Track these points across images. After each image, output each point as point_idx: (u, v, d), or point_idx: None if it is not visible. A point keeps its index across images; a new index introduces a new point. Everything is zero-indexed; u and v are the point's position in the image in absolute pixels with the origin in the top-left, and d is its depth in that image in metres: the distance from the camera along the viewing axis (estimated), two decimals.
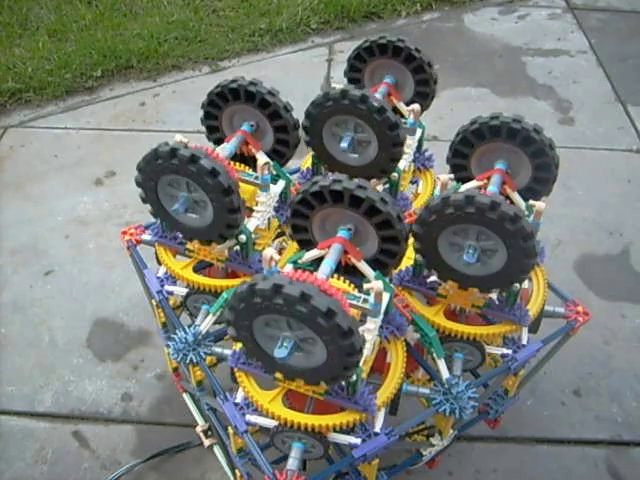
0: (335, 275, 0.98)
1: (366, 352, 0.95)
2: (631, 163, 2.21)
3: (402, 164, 1.20)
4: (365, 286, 0.92)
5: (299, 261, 0.99)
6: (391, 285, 1.01)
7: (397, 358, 1.03)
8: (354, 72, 1.32)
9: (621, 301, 1.77)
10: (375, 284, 0.90)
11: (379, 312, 0.94)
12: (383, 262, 1.01)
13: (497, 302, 1.10)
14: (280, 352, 0.84)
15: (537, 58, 2.69)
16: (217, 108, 1.18)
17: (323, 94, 1.11)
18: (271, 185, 1.14)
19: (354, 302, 0.93)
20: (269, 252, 0.91)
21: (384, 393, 1.00)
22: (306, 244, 1.04)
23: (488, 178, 1.10)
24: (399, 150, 1.12)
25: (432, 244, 1.01)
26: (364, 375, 0.96)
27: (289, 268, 0.96)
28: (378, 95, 1.19)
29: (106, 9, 2.82)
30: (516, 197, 1.11)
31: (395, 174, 1.18)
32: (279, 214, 1.21)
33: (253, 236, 1.11)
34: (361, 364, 0.92)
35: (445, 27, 2.88)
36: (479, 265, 1.00)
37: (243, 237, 1.08)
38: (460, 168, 1.17)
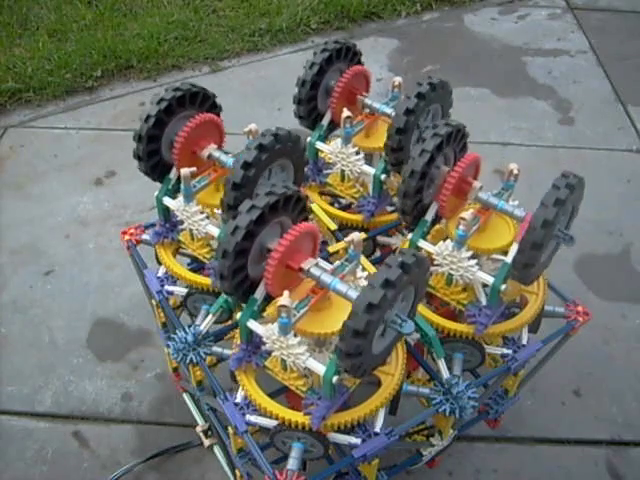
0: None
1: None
2: (631, 163, 2.21)
3: None
4: (281, 302, 0.87)
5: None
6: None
7: (397, 358, 1.03)
8: None
9: (621, 301, 1.77)
10: (286, 301, 0.86)
11: (284, 328, 0.90)
12: None
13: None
14: (408, 326, 0.85)
15: (537, 58, 2.69)
16: None
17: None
18: None
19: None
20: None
21: (384, 393, 1.00)
22: None
23: None
24: None
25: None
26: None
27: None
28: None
29: (106, 9, 2.82)
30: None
31: (384, 175, 1.20)
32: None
33: None
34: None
35: (445, 27, 2.88)
36: None
37: None
38: None
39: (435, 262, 1.06)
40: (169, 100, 1.08)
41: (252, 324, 0.96)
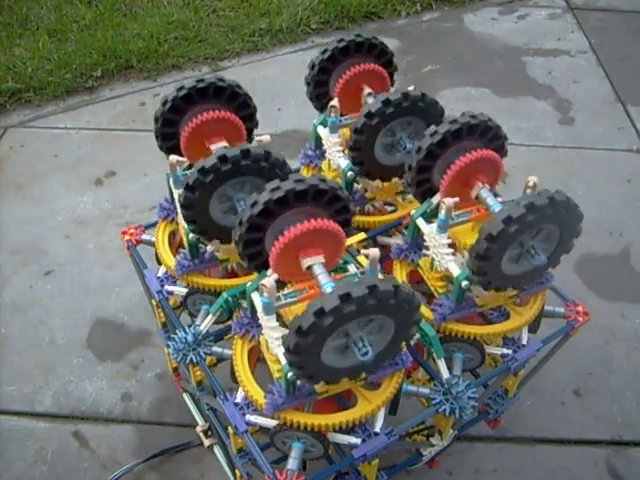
0: None
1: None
2: (631, 163, 2.21)
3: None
4: (263, 281, 0.89)
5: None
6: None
7: None
8: None
9: (621, 301, 1.77)
10: (267, 281, 0.88)
11: (266, 308, 0.92)
12: None
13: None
14: (365, 354, 0.85)
15: (537, 58, 2.69)
16: None
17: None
18: None
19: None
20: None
21: (384, 393, 1.00)
22: None
23: None
24: None
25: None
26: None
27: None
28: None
29: (106, 9, 2.81)
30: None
31: (350, 172, 1.20)
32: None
33: None
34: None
35: (445, 27, 2.88)
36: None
37: None
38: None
39: (425, 243, 1.08)
40: (189, 89, 1.12)
41: (255, 296, 0.98)
